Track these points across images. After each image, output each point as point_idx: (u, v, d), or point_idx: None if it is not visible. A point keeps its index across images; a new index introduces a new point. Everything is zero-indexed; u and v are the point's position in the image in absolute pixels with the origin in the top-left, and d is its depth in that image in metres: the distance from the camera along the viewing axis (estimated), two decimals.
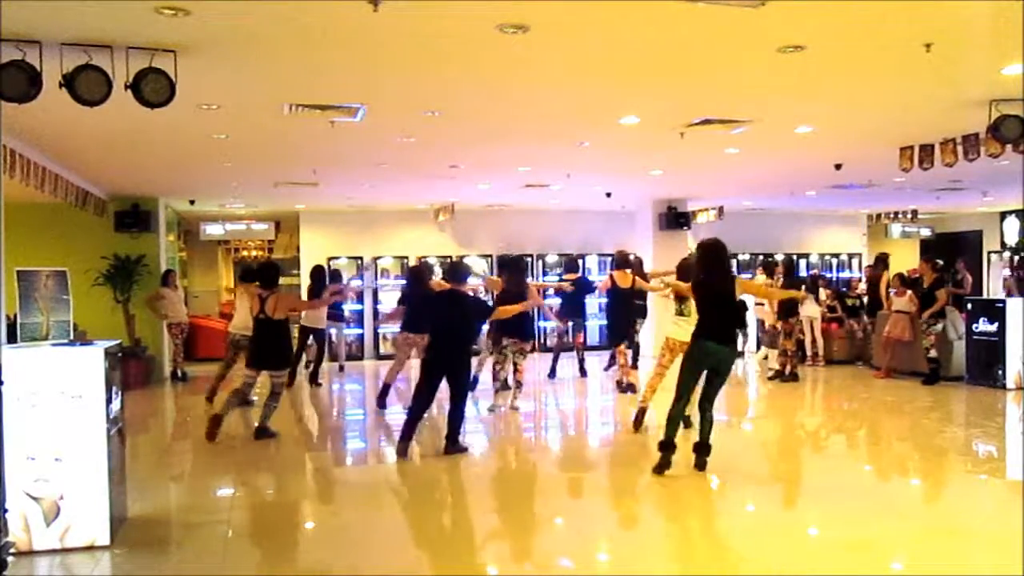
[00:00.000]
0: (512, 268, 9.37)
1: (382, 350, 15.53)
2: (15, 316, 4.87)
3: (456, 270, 7.48)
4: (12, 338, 4.93)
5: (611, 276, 10.15)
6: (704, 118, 7.50)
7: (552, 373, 11.80)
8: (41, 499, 4.57)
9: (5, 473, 4.27)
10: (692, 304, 6.63)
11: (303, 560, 4.72)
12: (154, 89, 4.91)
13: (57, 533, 4.60)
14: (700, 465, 6.16)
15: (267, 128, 7.61)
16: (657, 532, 5.26)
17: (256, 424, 7.85)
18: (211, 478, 6.61)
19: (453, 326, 6.99)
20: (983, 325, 10.47)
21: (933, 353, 10.61)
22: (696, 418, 6.37)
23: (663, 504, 5.77)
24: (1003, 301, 10.55)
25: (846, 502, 5.70)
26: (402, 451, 6.92)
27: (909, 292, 11.35)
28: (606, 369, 12.16)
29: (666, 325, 7.98)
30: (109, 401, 4.75)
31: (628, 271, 10.13)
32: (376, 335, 15.53)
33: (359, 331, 15.45)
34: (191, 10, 4.35)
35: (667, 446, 6.12)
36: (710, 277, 6.20)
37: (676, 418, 6.18)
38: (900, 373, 11.26)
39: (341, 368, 13.26)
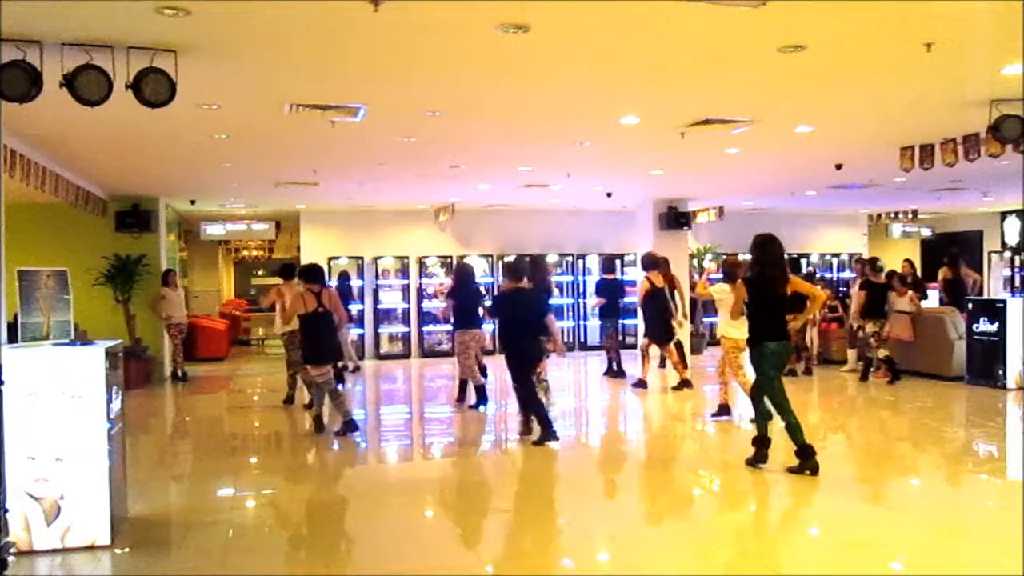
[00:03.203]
0: (535, 267, 9.48)
1: (382, 350, 15.55)
2: (16, 316, 4.87)
3: (517, 268, 7.91)
4: (13, 338, 4.93)
5: (648, 278, 10.17)
6: (704, 118, 7.50)
7: (609, 371, 11.87)
8: (42, 499, 4.58)
9: (5, 473, 4.28)
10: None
11: (304, 560, 4.72)
12: (154, 89, 4.91)
13: (58, 533, 4.60)
14: (815, 470, 6.10)
15: (267, 128, 7.61)
16: (656, 531, 5.25)
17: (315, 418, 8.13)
18: (211, 478, 6.61)
19: (525, 321, 7.52)
20: (983, 325, 10.47)
21: (882, 352, 10.91)
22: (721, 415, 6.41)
23: (662, 503, 5.78)
24: (1003, 301, 10.55)
25: (846, 501, 5.71)
26: (526, 432, 7.52)
27: (910, 292, 11.37)
28: (606, 372, 12.09)
29: (726, 328, 8.10)
30: (109, 401, 4.76)
31: (658, 271, 10.23)
32: (376, 335, 15.54)
33: (360, 331, 15.46)
34: (191, 10, 4.35)
35: (805, 451, 6.12)
36: (767, 272, 6.23)
37: (797, 424, 6.16)
38: (902, 372, 11.26)
39: (356, 368, 13.26)
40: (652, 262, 10.58)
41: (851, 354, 12.09)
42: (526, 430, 7.53)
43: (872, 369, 11.31)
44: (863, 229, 18.63)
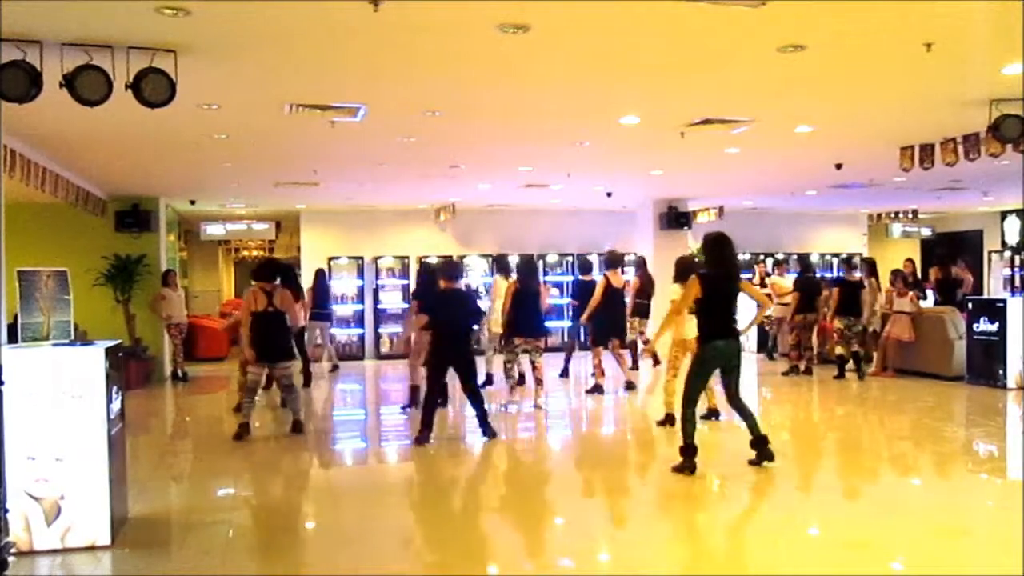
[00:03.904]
0: (524, 268, 9.43)
1: (383, 350, 15.54)
2: (16, 316, 4.87)
3: (453, 269, 8.00)
4: (13, 338, 4.93)
5: (606, 276, 10.11)
6: (704, 118, 7.51)
7: (565, 372, 11.78)
8: (42, 499, 4.57)
9: (6, 473, 4.28)
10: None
11: (304, 560, 4.72)
12: (154, 89, 4.92)
13: (58, 533, 4.60)
14: (769, 456, 6.21)
15: (267, 128, 7.61)
16: (656, 531, 5.25)
17: (293, 419, 8.02)
18: (211, 478, 6.61)
19: (460, 321, 7.55)
20: (983, 325, 10.47)
21: (839, 350, 11.39)
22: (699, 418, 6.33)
23: (662, 503, 5.77)
24: (1003, 301, 10.56)
25: (846, 501, 5.71)
26: (425, 440, 7.35)
27: (911, 293, 11.39)
28: (561, 375, 11.85)
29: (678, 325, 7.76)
30: (109, 401, 4.76)
31: (619, 271, 10.14)
32: (377, 335, 15.53)
33: (359, 331, 15.46)
34: (191, 10, 4.35)
35: (689, 450, 6.09)
36: (730, 270, 6.15)
37: (693, 420, 6.15)
38: (902, 372, 11.29)
39: (335, 368, 13.14)
40: (613, 260, 10.53)
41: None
42: (426, 436, 7.35)
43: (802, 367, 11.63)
44: (863, 229, 18.63)
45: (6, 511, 4.19)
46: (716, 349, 6.09)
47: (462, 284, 8.05)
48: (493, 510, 5.85)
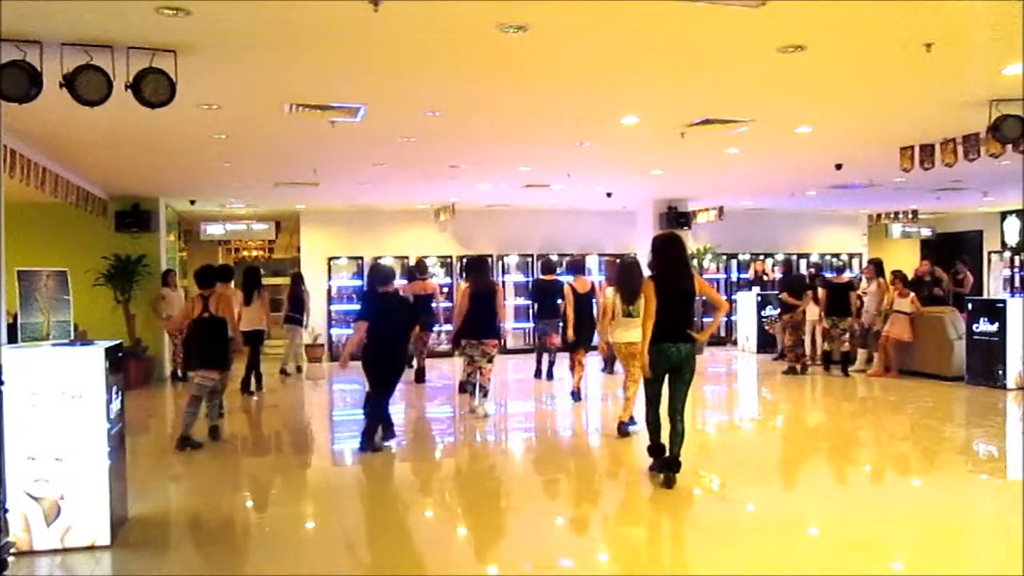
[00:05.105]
0: (476, 269, 9.17)
1: None
2: (16, 316, 4.87)
3: (383, 273, 7.63)
4: (13, 338, 4.93)
5: (571, 285, 9.86)
6: (704, 118, 7.51)
7: (538, 373, 11.68)
8: (42, 499, 4.57)
9: (5, 473, 4.28)
10: (640, 303, 6.21)
11: (303, 560, 4.72)
12: (154, 89, 4.92)
13: (58, 533, 4.60)
14: (668, 482, 5.78)
15: (267, 128, 7.61)
16: (655, 531, 5.25)
17: (180, 433, 7.45)
18: (211, 478, 6.60)
19: (389, 326, 7.19)
20: (983, 325, 10.47)
21: (836, 345, 11.72)
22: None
23: (659, 502, 5.77)
24: (1003, 301, 10.56)
25: (846, 502, 5.71)
26: (375, 448, 7.13)
27: (912, 294, 11.41)
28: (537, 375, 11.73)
29: (615, 331, 7.40)
30: (109, 401, 4.76)
31: (586, 277, 10.10)
32: None
33: None
34: (191, 10, 4.35)
35: (657, 450, 6.08)
36: (672, 273, 5.94)
37: (656, 422, 6.09)
38: (902, 372, 11.29)
39: (285, 372, 12.80)
40: (575, 267, 10.44)
41: (861, 354, 12.16)
42: (383, 438, 7.24)
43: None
44: (863, 229, 18.64)
45: (6, 511, 4.20)
46: (660, 350, 5.85)
47: (394, 288, 7.70)
48: (470, 518, 5.85)
